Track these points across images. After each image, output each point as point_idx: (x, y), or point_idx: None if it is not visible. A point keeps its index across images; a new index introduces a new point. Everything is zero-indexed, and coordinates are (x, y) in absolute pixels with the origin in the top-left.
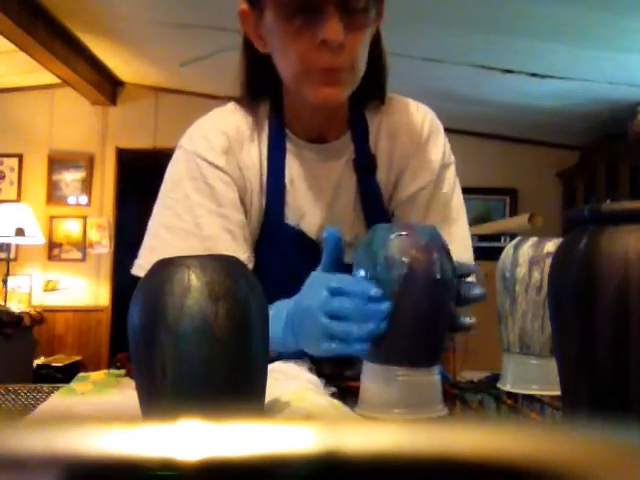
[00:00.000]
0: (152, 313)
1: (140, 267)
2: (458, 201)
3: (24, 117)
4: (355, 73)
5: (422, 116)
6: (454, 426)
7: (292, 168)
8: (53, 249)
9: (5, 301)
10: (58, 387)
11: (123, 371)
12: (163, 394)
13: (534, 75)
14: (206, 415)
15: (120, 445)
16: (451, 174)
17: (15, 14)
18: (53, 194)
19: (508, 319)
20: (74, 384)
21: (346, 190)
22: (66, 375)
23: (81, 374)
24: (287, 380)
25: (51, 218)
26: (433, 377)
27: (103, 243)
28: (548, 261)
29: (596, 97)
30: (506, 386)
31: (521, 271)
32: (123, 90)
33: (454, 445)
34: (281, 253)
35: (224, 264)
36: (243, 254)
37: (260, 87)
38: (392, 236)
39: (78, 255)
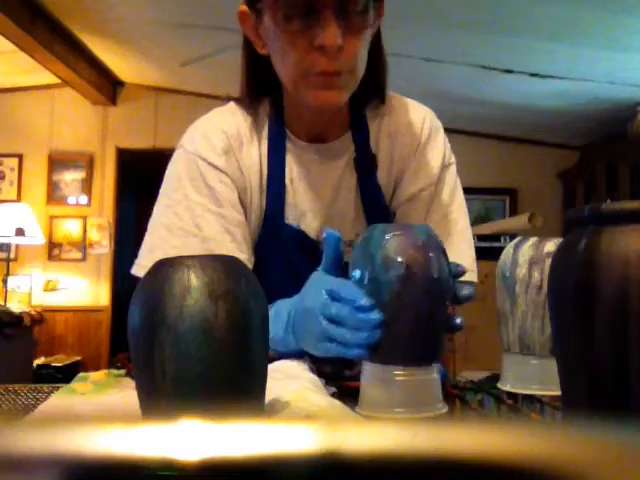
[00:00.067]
0: (152, 313)
1: (140, 267)
2: (459, 201)
3: (24, 117)
4: (354, 76)
5: (422, 116)
6: (454, 426)
7: (292, 168)
8: (53, 249)
9: (5, 301)
10: (58, 387)
11: (123, 371)
12: (163, 394)
13: (534, 75)
14: (206, 415)
15: (120, 445)
16: (452, 174)
17: (15, 14)
18: (53, 194)
19: (508, 319)
20: (74, 384)
21: (346, 190)
22: (66, 375)
23: (81, 374)
24: (287, 380)
25: (51, 218)
26: (433, 376)
27: (103, 243)
28: (548, 261)
29: (596, 97)
30: (506, 386)
31: (521, 271)
32: (123, 90)
33: (454, 445)
34: (281, 253)
35: (224, 264)
36: (243, 254)
37: (260, 87)
38: (389, 236)
39: (78, 255)
